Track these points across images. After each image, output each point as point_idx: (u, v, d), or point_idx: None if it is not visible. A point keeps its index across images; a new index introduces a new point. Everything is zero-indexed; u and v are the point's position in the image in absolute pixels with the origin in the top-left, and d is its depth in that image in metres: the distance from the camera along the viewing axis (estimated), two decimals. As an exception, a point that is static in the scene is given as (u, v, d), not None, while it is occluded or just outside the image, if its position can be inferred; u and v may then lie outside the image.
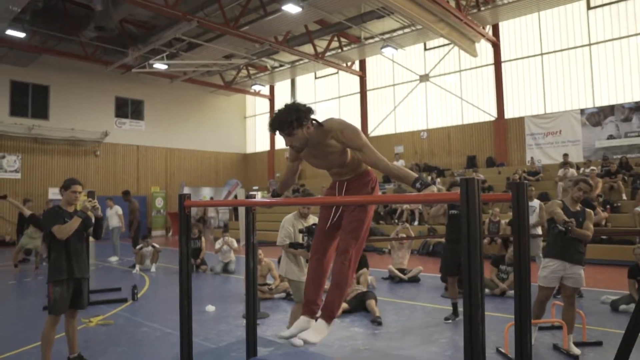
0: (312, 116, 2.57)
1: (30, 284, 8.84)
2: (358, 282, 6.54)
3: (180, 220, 2.99)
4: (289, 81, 23.05)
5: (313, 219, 4.94)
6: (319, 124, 2.60)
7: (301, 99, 22.86)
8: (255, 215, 3.22)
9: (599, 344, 4.59)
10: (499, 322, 5.22)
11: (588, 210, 4.59)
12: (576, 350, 4.33)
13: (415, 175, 2.48)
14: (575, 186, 4.62)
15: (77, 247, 4.09)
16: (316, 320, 2.65)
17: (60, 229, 3.95)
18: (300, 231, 4.40)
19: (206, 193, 22.59)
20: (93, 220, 4.36)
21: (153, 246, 10.29)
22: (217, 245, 10.05)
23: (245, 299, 3.36)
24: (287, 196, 5.48)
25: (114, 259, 11.60)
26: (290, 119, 2.48)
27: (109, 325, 5.65)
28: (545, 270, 4.49)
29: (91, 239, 4.63)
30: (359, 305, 5.98)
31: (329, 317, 2.62)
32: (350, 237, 2.65)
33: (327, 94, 22.04)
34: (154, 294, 7.74)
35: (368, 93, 20.46)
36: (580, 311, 4.74)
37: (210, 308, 6.31)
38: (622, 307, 5.86)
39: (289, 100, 22.77)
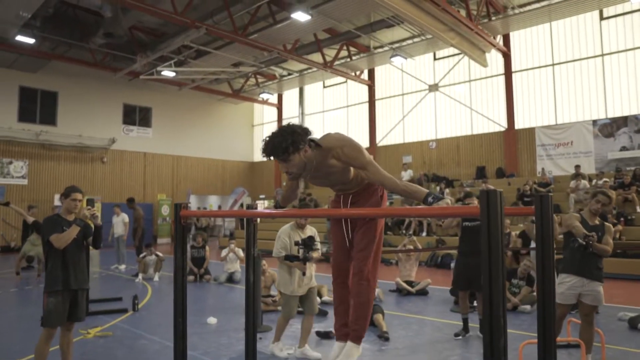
0: (310, 137, 2.37)
1: (32, 292, 8.71)
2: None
3: (176, 230, 2.83)
4: (297, 90, 22.99)
5: (310, 230, 4.79)
6: (317, 144, 2.39)
7: (309, 107, 22.81)
8: (257, 226, 3.04)
9: (618, 365, 4.36)
10: (512, 338, 4.97)
11: (607, 224, 4.36)
12: None
13: (426, 190, 2.31)
14: (593, 198, 4.39)
15: (75, 256, 3.94)
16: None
17: (57, 238, 3.81)
18: (296, 243, 4.23)
19: (213, 201, 22.49)
20: (93, 228, 4.21)
21: (156, 255, 10.15)
22: (223, 253, 9.90)
23: (245, 315, 3.18)
24: (294, 206, 5.33)
25: (121, 267, 11.46)
26: (285, 144, 2.26)
27: (107, 337, 5.48)
28: (562, 287, 4.26)
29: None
30: (366, 320, 5.76)
31: (357, 338, 2.55)
32: (363, 256, 2.54)
33: (335, 103, 21.94)
34: (156, 304, 7.57)
35: (377, 102, 20.32)
36: (599, 330, 4.51)
37: (212, 320, 6.12)
38: (642, 325, 5.60)
39: (296, 110, 22.77)
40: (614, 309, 6.49)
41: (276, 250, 4.56)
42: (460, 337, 5.42)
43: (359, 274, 2.53)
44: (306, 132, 2.34)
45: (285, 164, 2.35)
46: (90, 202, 4.15)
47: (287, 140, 2.26)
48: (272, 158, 2.34)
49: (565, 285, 4.25)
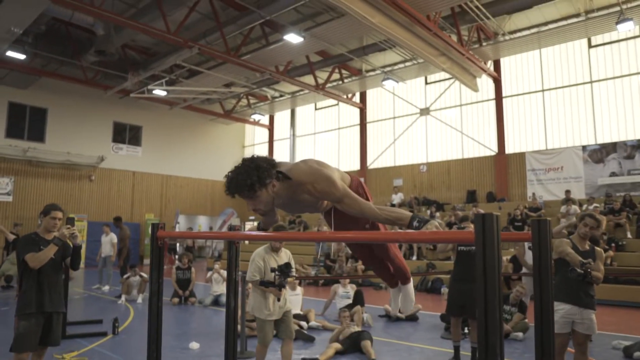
0: (275, 170, 2.17)
1: (8, 313, 8.38)
2: (352, 320, 6.14)
3: (152, 252, 2.67)
4: (289, 111, 23.03)
5: (285, 254, 4.66)
6: (286, 177, 2.20)
7: (301, 129, 22.81)
8: (239, 249, 2.91)
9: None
10: (504, 369, 4.81)
11: (598, 249, 4.26)
12: None
13: (409, 213, 2.17)
14: (581, 222, 4.30)
15: (51, 278, 3.74)
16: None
17: (33, 258, 3.61)
18: (272, 270, 4.12)
19: (201, 222, 22.22)
20: (72, 248, 4.01)
21: (141, 275, 9.86)
22: (208, 274, 9.66)
23: (225, 341, 3.01)
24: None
25: (105, 288, 11.13)
26: (250, 181, 2.06)
27: (82, 362, 5.23)
28: (556, 315, 4.09)
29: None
30: (353, 346, 5.57)
31: (406, 279, 2.87)
32: (388, 259, 2.77)
33: (326, 125, 21.97)
34: (137, 328, 7.29)
35: (368, 125, 20.37)
36: (592, 359, 4.37)
37: (194, 345, 5.88)
38: (637, 354, 5.46)
39: (287, 131, 22.73)
40: (607, 337, 6.35)
41: (250, 274, 4.41)
42: (451, 366, 5.26)
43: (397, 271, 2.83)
44: (272, 164, 2.15)
45: (252, 201, 2.15)
46: (71, 221, 3.98)
47: (252, 177, 2.06)
48: (236, 196, 2.15)
49: (559, 313, 4.08)
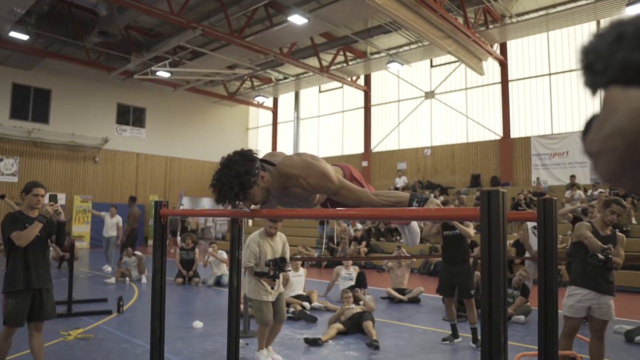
0: (259, 161, 2.08)
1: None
2: (356, 302, 6.18)
3: (156, 230, 2.68)
4: (293, 94, 22.89)
5: (280, 238, 4.69)
6: (271, 164, 2.13)
7: (305, 112, 22.70)
8: (242, 228, 2.91)
9: (615, 380, 4.23)
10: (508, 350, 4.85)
11: (620, 234, 4.13)
12: None
13: (407, 195, 2.13)
14: (607, 209, 4.17)
15: (37, 255, 3.76)
16: None
17: (19, 236, 3.63)
18: (267, 264, 4.16)
19: (205, 203, 22.29)
20: (56, 225, 3.98)
21: (135, 255, 9.84)
22: (205, 258, 9.70)
23: (228, 320, 3.03)
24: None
25: (107, 268, 11.23)
26: (233, 192, 1.99)
27: (87, 340, 5.30)
28: (572, 299, 4.04)
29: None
30: (355, 327, 5.61)
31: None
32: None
33: (331, 108, 21.84)
34: (141, 306, 7.37)
35: (372, 108, 20.24)
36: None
37: (198, 324, 5.95)
38: (638, 338, 5.49)
39: (291, 114, 22.60)
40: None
41: (245, 260, 4.42)
42: (447, 342, 5.35)
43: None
44: (253, 160, 2.05)
45: (247, 202, 2.11)
46: (53, 198, 3.97)
47: (234, 187, 1.99)
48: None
49: (576, 297, 4.03)
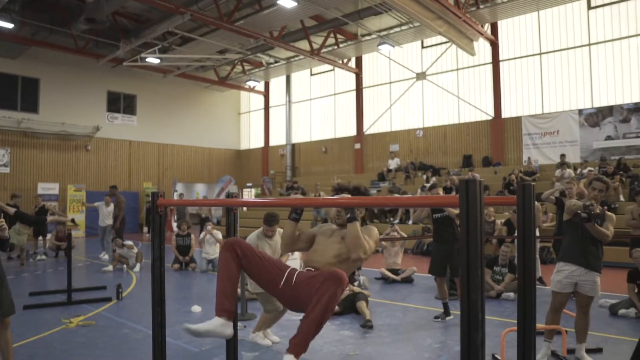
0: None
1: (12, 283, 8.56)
2: (352, 284, 6.32)
3: (153, 220, 2.77)
4: (284, 77, 22.81)
5: (279, 236, 4.76)
6: None
7: (296, 95, 22.65)
8: (237, 215, 3.00)
9: (599, 350, 4.42)
10: (494, 325, 5.03)
11: (609, 213, 4.26)
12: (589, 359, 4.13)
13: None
14: (589, 186, 4.36)
15: None
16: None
17: None
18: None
19: (199, 189, 22.36)
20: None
21: (124, 245, 9.83)
22: (201, 236, 9.80)
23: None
24: (282, 194, 5.40)
25: (105, 256, 11.29)
26: None
27: (89, 326, 5.42)
28: (560, 275, 4.19)
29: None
30: (350, 307, 5.77)
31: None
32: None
33: (322, 91, 21.81)
34: (140, 293, 7.49)
35: (364, 90, 20.24)
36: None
37: (196, 308, 6.08)
38: (622, 311, 5.69)
39: (283, 98, 22.58)
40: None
41: None
42: (439, 320, 5.52)
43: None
44: None
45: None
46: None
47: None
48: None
49: (563, 273, 4.18)
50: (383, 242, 8.86)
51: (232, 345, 3.37)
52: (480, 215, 1.47)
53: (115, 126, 20.07)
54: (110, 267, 9.59)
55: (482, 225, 1.50)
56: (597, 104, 14.85)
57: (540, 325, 4.55)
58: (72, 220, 9.83)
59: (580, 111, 15.06)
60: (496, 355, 4.24)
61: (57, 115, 18.11)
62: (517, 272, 1.95)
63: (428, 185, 8.55)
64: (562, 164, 13.42)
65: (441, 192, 5.78)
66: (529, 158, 15.59)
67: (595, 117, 14.85)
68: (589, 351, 4.30)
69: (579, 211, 3.98)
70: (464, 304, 1.52)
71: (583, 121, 14.99)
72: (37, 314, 5.94)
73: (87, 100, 19.07)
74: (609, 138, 14.61)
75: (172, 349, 4.24)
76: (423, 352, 4.52)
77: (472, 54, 15.97)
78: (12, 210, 9.33)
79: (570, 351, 4.30)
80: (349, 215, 2.42)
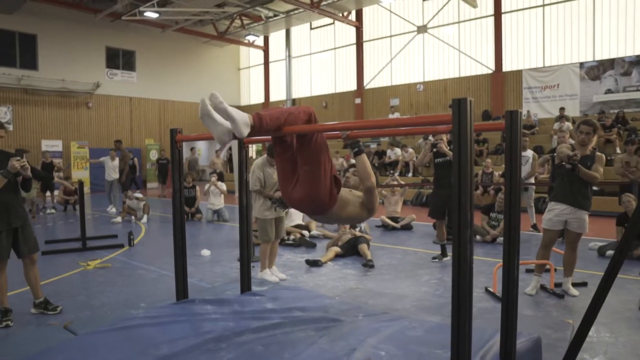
0: None
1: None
2: (354, 229, 6.63)
3: (172, 154, 2.99)
4: (284, 32, 22.48)
5: None
6: None
7: (296, 50, 22.41)
8: (248, 152, 3.21)
9: (584, 284, 4.74)
10: (489, 265, 5.34)
11: (599, 154, 4.44)
12: (575, 292, 4.44)
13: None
14: (577, 130, 4.55)
15: (10, 196, 3.92)
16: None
17: None
18: (272, 201, 4.53)
19: (201, 146, 22.49)
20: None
21: (137, 198, 10.16)
22: (205, 187, 10.06)
23: (239, 235, 3.40)
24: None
25: (112, 209, 11.59)
26: None
27: (106, 268, 5.75)
28: (550, 214, 4.47)
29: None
30: (352, 250, 6.09)
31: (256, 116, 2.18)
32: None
33: (322, 45, 21.57)
34: (149, 241, 7.83)
35: (364, 44, 20.03)
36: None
37: (206, 252, 6.40)
38: (609, 252, 6.01)
39: (283, 53, 22.30)
40: (585, 240, 6.87)
41: (252, 184, 4.86)
42: (437, 260, 5.85)
43: None
44: None
45: None
46: (20, 153, 4.12)
47: None
48: None
49: (554, 212, 4.44)
50: (384, 192, 9.14)
51: (245, 277, 3.63)
52: (470, 129, 1.67)
53: (115, 83, 19.99)
54: (119, 219, 9.91)
55: (472, 140, 1.70)
56: (598, 57, 14.79)
57: (531, 261, 4.88)
58: (79, 182, 10.10)
59: (581, 64, 15.01)
60: (489, 289, 4.56)
61: (56, 72, 18.02)
62: (504, 202, 2.17)
63: (431, 137, 8.45)
64: (561, 117, 13.51)
65: (445, 138, 5.95)
66: (528, 112, 15.66)
67: (596, 70, 14.81)
68: (575, 285, 4.62)
69: (564, 162, 4.21)
70: (455, 204, 1.74)
71: (584, 74, 14.97)
72: (55, 259, 6.27)
73: (85, 56, 18.90)
74: (609, 91, 14.64)
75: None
76: (421, 286, 4.84)
77: (474, 5, 15.76)
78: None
79: (558, 285, 4.62)
80: (356, 150, 2.54)
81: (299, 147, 2.38)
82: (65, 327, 3.32)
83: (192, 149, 18.93)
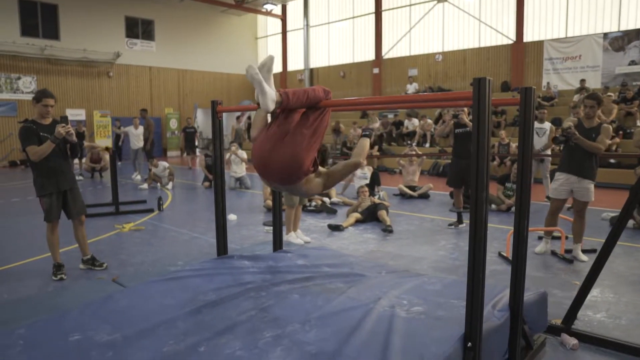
0: None
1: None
2: (373, 196, 6.90)
3: (213, 125, 3.26)
4: (301, 0, 22.31)
5: None
6: None
7: (314, 19, 22.28)
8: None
9: (593, 250, 4.97)
10: (503, 232, 5.59)
11: (605, 125, 4.58)
12: (584, 258, 4.70)
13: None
14: (582, 104, 4.74)
15: (58, 162, 4.15)
16: None
17: (33, 151, 3.95)
18: None
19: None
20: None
21: (164, 166, 10.50)
22: (226, 157, 10.31)
23: (272, 200, 3.70)
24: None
25: (137, 177, 11.97)
26: None
27: (140, 231, 6.14)
28: (556, 183, 4.72)
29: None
30: (371, 216, 6.39)
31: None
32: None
33: (341, 14, 21.40)
34: (177, 206, 8.22)
35: (383, 13, 19.83)
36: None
37: (232, 217, 6.75)
38: (621, 222, 6.18)
39: (300, 22, 22.23)
40: (598, 211, 7.08)
41: None
42: (453, 227, 6.11)
43: None
44: None
45: None
46: (65, 120, 4.34)
47: None
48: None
49: (559, 181, 4.70)
50: (401, 161, 9.35)
51: (277, 239, 3.97)
52: (488, 105, 1.90)
53: (135, 52, 20.22)
54: (145, 185, 10.32)
55: (490, 114, 1.93)
56: (624, 27, 14.49)
57: (540, 228, 5.12)
58: (106, 148, 10.53)
59: (605, 35, 14.75)
60: (502, 253, 4.83)
61: (77, 41, 18.28)
62: (517, 168, 2.41)
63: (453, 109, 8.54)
64: (581, 89, 13.42)
65: (466, 110, 6.14)
66: (547, 83, 15.53)
67: (620, 40, 14.55)
68: (585, 251, 4.86)
69: (557, 135, 4.44)
70: (473, 171, 1.99)
71: (607, 45, 14.73)
72: (91, 222, 6.64)
73: (105, 26, 19.10)
74: (632, 63, 14.41)
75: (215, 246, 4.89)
76: (437, 251, 5.13)
77: (497, -27, 15.44)
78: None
79: (568, 251, 4.87)
80: (365, 133, 2.97)
81: (308, 113, 2.46)
82: (113, 280, 3.71)
83: (237, 117, 18.73)
